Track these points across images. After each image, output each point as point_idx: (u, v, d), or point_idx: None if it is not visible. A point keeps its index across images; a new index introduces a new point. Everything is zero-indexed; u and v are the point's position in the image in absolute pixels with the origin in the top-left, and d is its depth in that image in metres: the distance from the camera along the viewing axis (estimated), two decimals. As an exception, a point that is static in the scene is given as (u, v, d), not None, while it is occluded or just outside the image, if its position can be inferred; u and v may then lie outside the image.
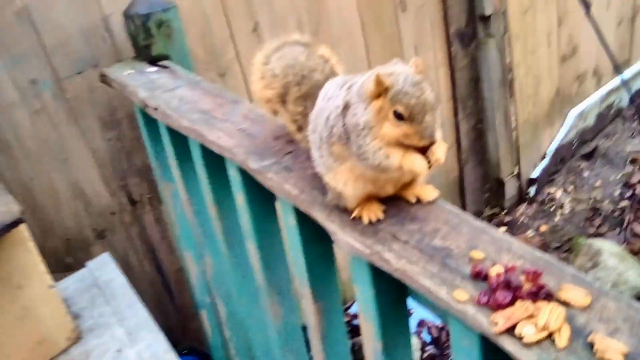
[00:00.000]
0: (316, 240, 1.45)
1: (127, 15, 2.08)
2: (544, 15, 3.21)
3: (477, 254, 1.04)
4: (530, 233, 3.44)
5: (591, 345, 0.85)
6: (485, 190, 3.60)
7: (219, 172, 1.75)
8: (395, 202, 1.21)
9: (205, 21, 2.38)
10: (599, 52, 3.58)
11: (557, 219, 3.51)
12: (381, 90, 1.00)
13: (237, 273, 1.94)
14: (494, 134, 3.37)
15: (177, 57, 2.15)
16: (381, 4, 2.83)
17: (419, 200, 1.19)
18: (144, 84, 1.96)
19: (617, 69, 3.04)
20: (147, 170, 2.37)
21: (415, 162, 1.03)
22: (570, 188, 3.71)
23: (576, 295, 0.92)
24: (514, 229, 3.50)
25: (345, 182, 1.15)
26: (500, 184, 3.54)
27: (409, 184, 1.20)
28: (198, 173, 1.85)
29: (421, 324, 2.99)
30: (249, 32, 2.52)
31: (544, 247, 3.30)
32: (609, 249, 3.04)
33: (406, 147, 1.04)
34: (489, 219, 3.57)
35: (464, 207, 3.55)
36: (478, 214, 3.56)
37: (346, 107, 1.08)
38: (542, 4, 3.16)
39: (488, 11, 2.96)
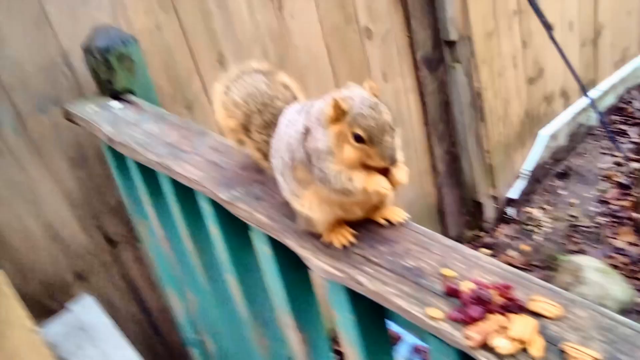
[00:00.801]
0: (293, 268, 1.43)
1: (86, 50, 2.06)
2: (508, 39, 3.30)
3: (449, 272, 1.03)
4: (511, 253, 3.44)
5: (564, 352, 0.84)
6: (464, 212, 3.61)
7: (191, 204, 1.73)
8: (366, 225, 1.20)
9: (168, 53, 2.38)
10: (565, 73, 3.67)
11: (537, 237, 3.53)
12: (339, 115, 1.01)
13: (221, 307, 1.91)
14: (467, 157, 3.40)
15: (141, 90, 2.12)
16: (346, 32, 2.87)
17: (389, 222, 1.19)
18: (108, 119, 1.94)
19: (583, 89, 3.11)
20: (122, 208, 2.32)
21: (379, 183, 1.03)
22: (548, 207, 3.74)
23: (546, 306, 0.91)
24: (495, 249, 3.51)
25: (311, 206, 1.14)
26: (478, 206, 3.56)
27: (378, 206, 1.20)
28: (170, 207, 1.82)
29: (416, 350, 2.94)
30: (213, 63, 2.52)
31: (527, 266, 3.31)
32: (590, 264, 3.05)
33: (368, 169, 1.04)
34: (470, 241, 3.57)
35: (444, 230, 3.55)
36: (459, 237, 3.56)
37: (306, 132, 1.08)
38: (506, 28, 3.25)
39: (453, 36, 3.02)
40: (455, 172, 3.49)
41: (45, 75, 2.11)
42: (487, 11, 3.17)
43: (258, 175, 1.46)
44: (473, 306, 0.93)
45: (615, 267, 3.18)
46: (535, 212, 3.72)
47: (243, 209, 1.35)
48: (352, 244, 1.15)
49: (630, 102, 4.13)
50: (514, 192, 3.72)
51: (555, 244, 3.46)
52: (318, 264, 1.14)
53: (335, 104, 1.00)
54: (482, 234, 3.63)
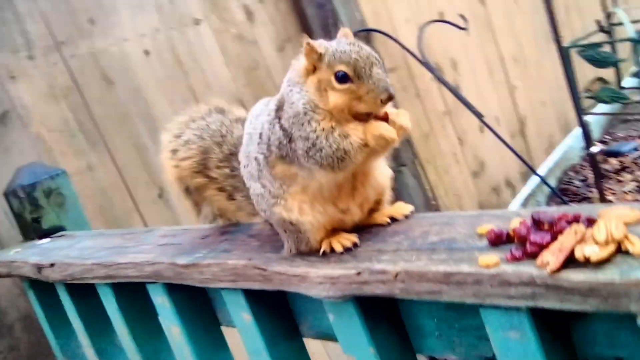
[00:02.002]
0: (282, 338, 1.14)
1: (9, 192, 1.84)
2: (445, 138, 3.40)
3: (487, 227, 0.81)
4: None
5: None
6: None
7: (144, 317, 1.44)
8: (367, 229, 0.99)
9: (104, 195, 2.20)
10: (504, 164, 3.78)
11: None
12: (315, 61, 0.86)
13: None
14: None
15: (74, 226, 1.87)
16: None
17: (394, 220, 0.98)
18: (35, 253, 1.66)
19: (531, 168, 3.16)
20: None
21: (382, 128, 0.84)
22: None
23: (623, 211, 0.72)
24: None
25: (299, 208, 0.93)
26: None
27: (376, 208, 1.00)
28: (117, 333, 1.49)
29: None
30: (154, 198, 2.35)
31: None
32: None
33: (362, 120, 0.87)
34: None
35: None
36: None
37: (279, 107, 0.91)
38: (440, 127, 3.37)
39: (390, 142, 3.06)
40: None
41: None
42: (419, 113, 3.29)
43: (223, 236, 1.23)
44: (535, 234, 0.71)
45: None
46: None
47: (211, 264, 1.10)
48: (355, 245, 0.92)
49: (571, 182, 4.25)
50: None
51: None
52: (320, 272, 0.89)
53: (309, 47, 0.84)
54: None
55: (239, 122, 1.18)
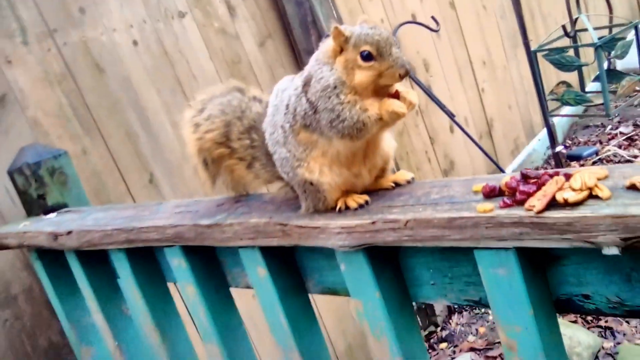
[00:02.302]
0: (291, 293, 1.29)
1: (14, 170, 1.93)
2: (417, 136, 3.59)
3: (481, 185, 0.98)
4: (471, 338, 3.32)
5: (634, 187, 0.80)
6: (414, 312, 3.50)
7: (154, 280, 1.57)
8: (374, 193, 1.14)
9: (97, 178, 2.29)
10: (472, 164, 3.99)
11: (491, 317, 3.47)
12: (342, 43, 1.01)
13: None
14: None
15: (77, 204, 1.98)
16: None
17: (397, 185, 1.14)
18: (48, 224, 1.76)
19: (499, 166, 3.38)
20: (57, 350, 1.99)
21: (394, 104, 1.00)
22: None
23: (592, 171, 0.89)
24: (454, 340, 3.37)
25: (320, 169, 1.08)
26: (426, 303, 3.49)
27: (381, 175, 1.16)
28: (128, 294, 1.61)
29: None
30: (145, 183, 2.45)
31: (490, 345, 3.19)
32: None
33: (379, 98, 1.02)
34: (427, 339, 3.42)
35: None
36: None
37: (306, 83, 1.06)
38: (412, 126, 3.56)
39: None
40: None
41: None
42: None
43: (238, 203, 1.37)
44: (523, 186, 0.88)
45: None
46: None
47: (233, 224, 1.23)
48: (367, 203, 1.08)
49: (533, 181, 4.51)
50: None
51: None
52: (338, 224, 1.04)
53: (337, 31, 0.99)
54: (437, 329, 3.51)
55: (255, 100, 1.32)
